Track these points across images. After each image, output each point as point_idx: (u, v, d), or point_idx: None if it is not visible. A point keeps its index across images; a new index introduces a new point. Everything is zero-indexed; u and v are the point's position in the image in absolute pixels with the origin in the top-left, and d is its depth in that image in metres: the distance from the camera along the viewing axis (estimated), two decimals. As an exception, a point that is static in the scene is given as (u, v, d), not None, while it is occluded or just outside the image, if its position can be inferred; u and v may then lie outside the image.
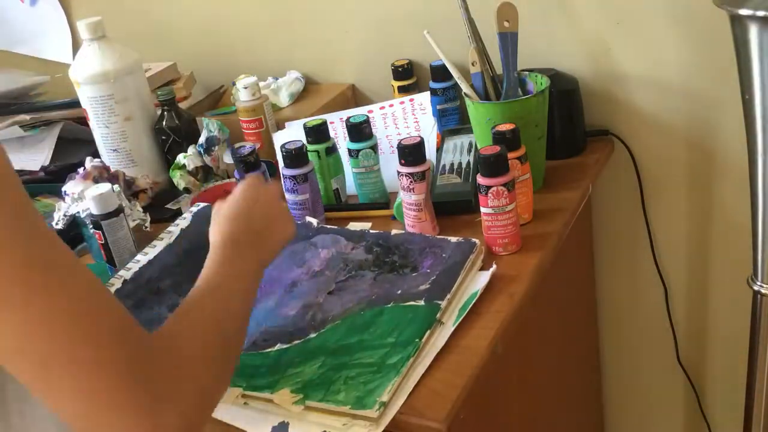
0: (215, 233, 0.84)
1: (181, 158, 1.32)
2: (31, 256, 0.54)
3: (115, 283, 1.05)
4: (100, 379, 0.55)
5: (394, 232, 1.06)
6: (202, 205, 1.17)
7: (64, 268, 0.56)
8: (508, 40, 1.13)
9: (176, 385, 0.59)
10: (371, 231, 1.07)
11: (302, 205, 1.14)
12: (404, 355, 0.84)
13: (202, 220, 1.13)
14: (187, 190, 1.32)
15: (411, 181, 1.03)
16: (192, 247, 1.07)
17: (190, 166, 1.32)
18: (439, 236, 1.04)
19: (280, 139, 1.33)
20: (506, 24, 1.12)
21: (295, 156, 1.12)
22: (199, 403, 0.62)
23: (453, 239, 1.01)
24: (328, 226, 1.10)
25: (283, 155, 1.13)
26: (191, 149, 1.33)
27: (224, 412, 0.85)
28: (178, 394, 0.59)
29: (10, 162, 0.56)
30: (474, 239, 1.00)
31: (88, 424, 0.56)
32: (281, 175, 1.15)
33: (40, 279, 0.53)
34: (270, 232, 0.87)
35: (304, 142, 1.16)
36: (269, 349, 0.91)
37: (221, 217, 0.87)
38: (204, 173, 1.34)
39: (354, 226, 1.10)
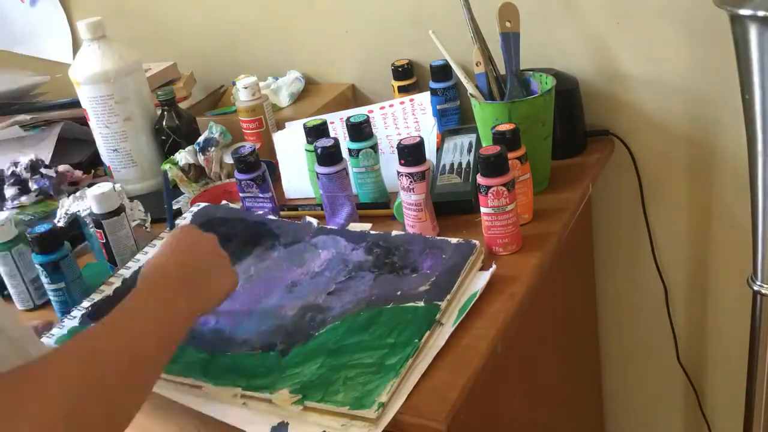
0: (140, 276, 0.79)
1: (177, 154, 1.33)
2: None
3: (115, 282, 1.06)
4: None
5: (394, 232, 1.06)
6: (203, 204, 1.17)
7: None
8: (510, 40, 1.13)
9: (17, 420, 0.54)
10: (371, 232, 1.07)
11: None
12: (403, 356, 0.84)
13: (202, 219, 1.13)
14: (174, 184, 1.33)
15: (411, 181, 1.03)
16: None
17: (182, 162, 1.32)
18: (439, 237, 1.04)
19: (280, 139, 1.33)
20: (508, 24, 1.12)
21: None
22: None
23: (453, 240, 1.01)
24: (328, 227, 1.10)
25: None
26: (189, 147, 1.34)
27: (224, 412, 0.85)
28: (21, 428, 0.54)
29: None
30: (474, 240, 1.00)
31: None
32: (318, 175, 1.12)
33: None
34: (205, 281, 0.82)
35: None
36: (269, 350, 0.91)
37: (149, 265, 0.81)
38: (196, 173, 1.34)
39: (354, 227, 1.10)
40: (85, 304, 1.03)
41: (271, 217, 1.14)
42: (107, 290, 1.05)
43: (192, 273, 0.81)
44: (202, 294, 0.81)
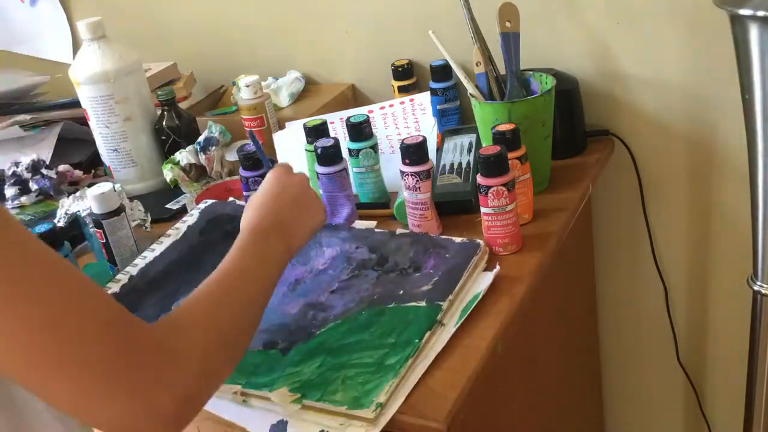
0: (243, 222, 0.86)
1: (177, 154, 1.33)
2: None
3: (122, 279, 1.06)
4: (88, 374, 0.56)
5: (398, 231, 1.06)
6: (210, 201, 1.17)
7: (37, 276, 0.55)
8: (510, 40, 1.13)
9: (172, 370, 0.60)
10: (376, 230, 1.07)
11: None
12: (403, 356, 0.84)
13: (210, 216, 1.13)
14: (175, 184, 1.33)
15: (417, 180, 1.03)
16: (196, 245, 1.08)
17: (183, 162, 1.32)
18: (443, 236, 1.04)
19: (280, 139, 1.33)
20: (508, 24, 1.12)
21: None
22: (199, 386, 0.63)
23: (457, 240, 1.01)
24: (333, 224, 1.10)
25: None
26: (189, 147, 1.34)
27: (223, 410, 0.85)
28: (174, 379, 0.60)
29: None
30: (478, 240, 1.00)
31: (84, 415, 0.58)
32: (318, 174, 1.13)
33: (9, 290, 0.53)
34: (298, 219, 0.89)
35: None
36: (270, 348, 0.91)
37: (248, 207, 0.89)
38: (197, 172, 1.34)
39: (360, 224, 1.10)
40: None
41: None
42: (114, 287, 1.05)
43: (285, 219, 0.88)
44: (296, 235, 0.88)
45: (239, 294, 0.74)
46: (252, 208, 0.88)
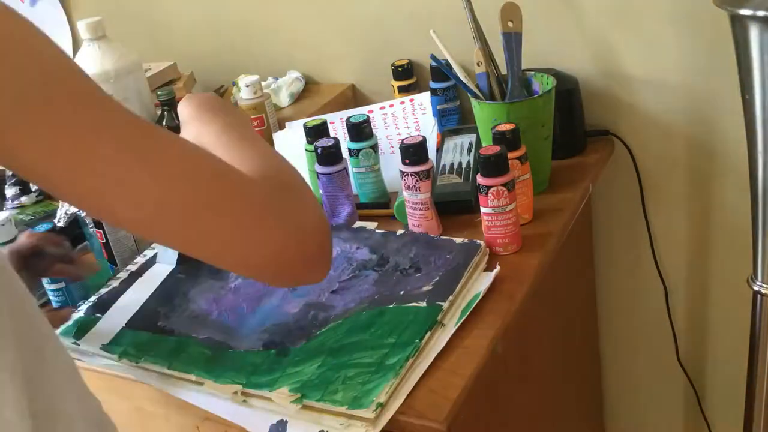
0: (183, 117, 0.80)
1: None
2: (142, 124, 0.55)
3: (122, 276, 1.07)
4: (248, 216, 0.58)
5: (399, 231, 1.06)
6: None
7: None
8: (512, 40, 1.13)
9: (302, 204, 0.62)
10: (376, 230, 1.07)
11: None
12: (403, 356, 0.84)
13: None
14: None
15: (417, 180, 1.03)
16: None
17: None
18: (443, 236, 1.04)
19: (280, 139, 1.33)
20: (510, 24, 1.12)
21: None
22: (322, 214, 0.65)
23: (458, 240, 1.01)
24: (333, 224, 1.10)
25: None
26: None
27: (223, 410, 0.85)
28: (306, 211, 0.62)
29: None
30: (478, 240, 1.00)
31: (243, 253, 0.58)
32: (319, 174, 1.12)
33: (172, 152, 0.56)
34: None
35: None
36: (270, 348, 0.91)
37: (181, 107, 0.83)
38: None
39: (360, 225, 1.10)
40: (93, 298, 1.05)
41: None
42: (114, 283, 1.06)
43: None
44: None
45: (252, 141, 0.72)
46: (183, 107, 0.81)
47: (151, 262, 1.10)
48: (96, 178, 0.53)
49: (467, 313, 0.91)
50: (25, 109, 0.50)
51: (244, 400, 0.85)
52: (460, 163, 1.16)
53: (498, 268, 0.97)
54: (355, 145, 1.16)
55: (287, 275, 0.62)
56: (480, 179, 0.99)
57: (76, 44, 1.77)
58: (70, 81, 0.53)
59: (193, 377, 0.89)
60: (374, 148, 1.16)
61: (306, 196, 0.64)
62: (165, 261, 1.08)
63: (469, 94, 1.16)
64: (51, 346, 0.65)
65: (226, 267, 0.62)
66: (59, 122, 0.51)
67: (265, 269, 0.60)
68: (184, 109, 0.79)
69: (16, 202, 1.37)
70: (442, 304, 0.91)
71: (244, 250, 0.58)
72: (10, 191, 1.37)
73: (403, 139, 1.05)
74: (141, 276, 1.07)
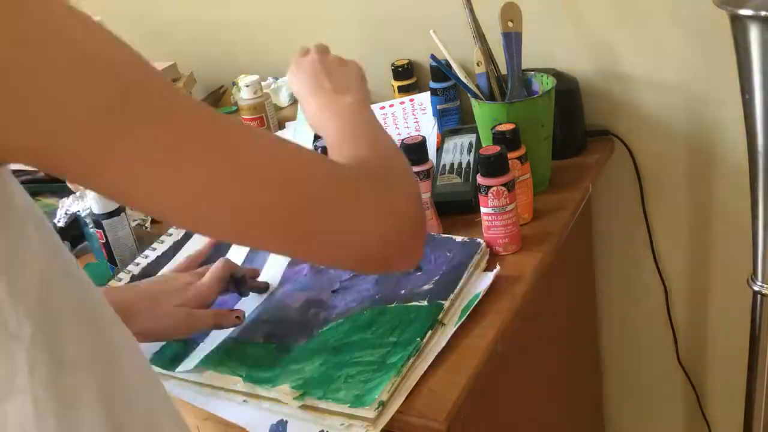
0: (308, 114, 0.86)
1: None
2: (213, 116, 0.53)
3: (124, 278, 1.07)
4: (354, 200, 0.58)
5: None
6: None
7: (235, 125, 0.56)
8: (512, 40, 1.13)
9: (396, 192, 0.63)
10: None
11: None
12: (404, 355, 0.84)
13: None
14: None
15: (417, 180, 1.03)
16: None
17: None
18: (444, 235, 1.04)
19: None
20: (510, 24, 1.12)
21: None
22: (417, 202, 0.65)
23: (458, 239, 1.01)
24: None
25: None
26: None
27: (223, 409, 0.85)
28: (402, 188, 0.64)
29: None
30: (479, 239, 1.00)
31: (355, 237, 0.58)
32: None
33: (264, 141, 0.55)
34: (343, 82, 0.87)
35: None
36: (270, 341, 0.91)
37: (302, 101, 0.89)
38: None
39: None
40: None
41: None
42: (116, 286, 1.06)
43: (332, 84, 0.87)
44: (353, 90, 0.86)
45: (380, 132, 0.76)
46: (303, 101, 0.88)
47: (149, 266, 1.09)
48: (182, 196, 0.50)
49: (467, 313, 0.91)
50: (102, 127, 0.47)
51: (244, 401, 0.85)
52: (460, 163, 1.16)
53: (498, 267, 0.97)
54: (355, 145, 1.15)
55: (380, 264, 0.64)
56: (480, 179, 0.99)
57: (76, 44, 1.77)
58: (148, 95, 0.50)
59: (191, 366, 0.88)
60: (374, 148, 1.16)
61: (402, 182, 0.65)
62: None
63: (469, 94, 1.16)
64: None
65: (320, 264, 0.63)
66: (141, 143, 0.48)
67: (360, 261, 0.61)
68: (308, 112, 0.85)
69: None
70: (443, 302, 0.91)
71: (338, 249, 0.58)
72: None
73: (403, 139, 1.05)
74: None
